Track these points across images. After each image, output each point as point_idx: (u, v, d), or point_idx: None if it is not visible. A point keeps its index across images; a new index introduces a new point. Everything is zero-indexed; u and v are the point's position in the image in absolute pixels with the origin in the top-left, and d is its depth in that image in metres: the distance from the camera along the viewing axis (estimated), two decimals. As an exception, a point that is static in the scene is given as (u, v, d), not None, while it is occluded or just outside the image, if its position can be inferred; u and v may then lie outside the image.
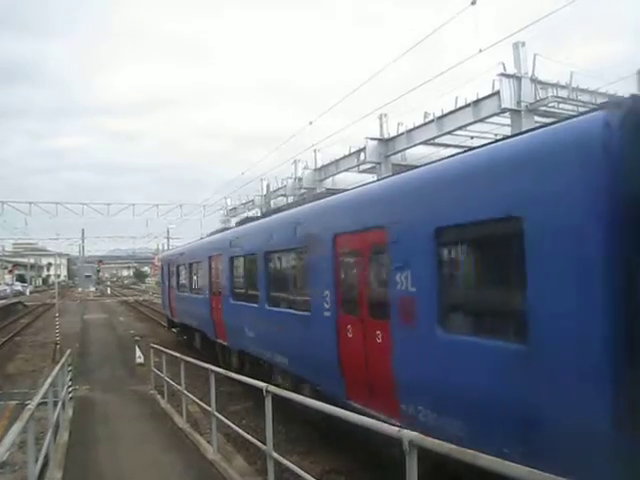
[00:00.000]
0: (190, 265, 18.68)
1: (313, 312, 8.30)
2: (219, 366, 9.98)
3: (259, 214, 44.03)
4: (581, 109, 25.91)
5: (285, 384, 9.59)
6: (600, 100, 26.41)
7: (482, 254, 5.62)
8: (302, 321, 8.71)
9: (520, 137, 5.22)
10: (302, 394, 7.06)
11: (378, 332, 6.50)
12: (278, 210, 12.51)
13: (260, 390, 5.96)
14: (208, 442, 8.30)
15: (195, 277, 18.33)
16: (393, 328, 6.15)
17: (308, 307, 8.54)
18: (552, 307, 4.21)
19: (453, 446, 3.21)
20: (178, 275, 20.97)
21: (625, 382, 3.73)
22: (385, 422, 4.51)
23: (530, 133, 5.04)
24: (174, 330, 23.34)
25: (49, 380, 7.92)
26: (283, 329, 9.68)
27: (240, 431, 7.25)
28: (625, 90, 27.80)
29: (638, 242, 3.81)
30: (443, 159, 6.39)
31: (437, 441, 3.36)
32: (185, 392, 9.94)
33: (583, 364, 3.98)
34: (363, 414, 5.14)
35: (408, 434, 3.48)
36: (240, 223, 14.87)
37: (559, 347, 4.17)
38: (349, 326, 7.26)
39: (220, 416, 7.97)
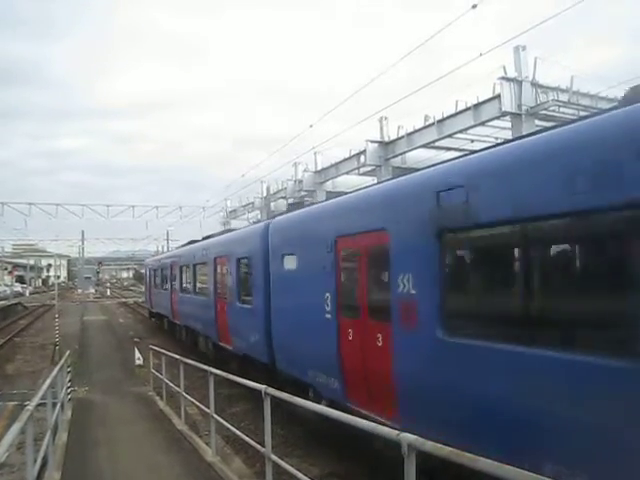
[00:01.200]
0: (161, 269, 26.38)
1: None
2: (179, 336, 18.07)
3: (259, 216, 46.58)
4: (582, 113, 25.97)
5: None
6: (600, 104, 26.49)
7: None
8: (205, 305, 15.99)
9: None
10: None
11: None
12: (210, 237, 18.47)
13: (259, 392, 5.96)
14: (207, 444, 8.29)
15: (164, 278, 25.64)
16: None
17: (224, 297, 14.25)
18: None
19: (452, 449, 3.21)
20: (154, 277, 28.87)
21: None
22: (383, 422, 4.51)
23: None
24: (153, 318, 30.27)
25: (48, 381, 7.92)
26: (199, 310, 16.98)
27: (239, 433, 7.25)
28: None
29: None
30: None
31: (436, 444, 3.35)
32: (184, 394, 9.94)
33: None
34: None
35: (407, 437, 3.47)
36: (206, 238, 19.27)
37: None
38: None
39: (219, 418, 7.97)
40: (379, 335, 6.51)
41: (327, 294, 7.75)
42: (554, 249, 5.01)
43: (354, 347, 7.12)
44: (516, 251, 5.12)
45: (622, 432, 3.68)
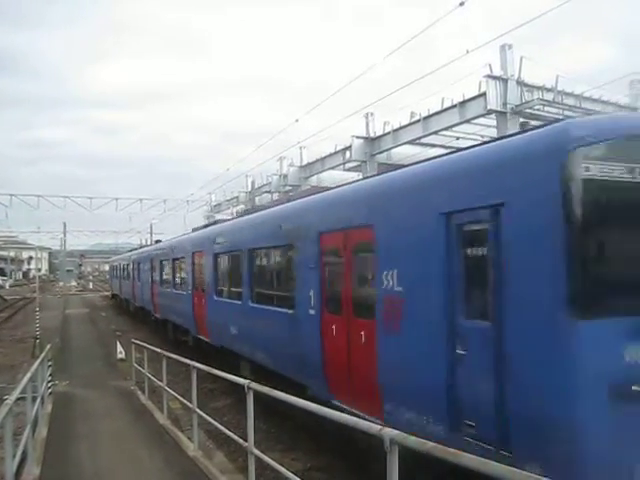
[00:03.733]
0: (120, 266, 36.51)
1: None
2: (133, 309, 25.16)
3: (243, 211, 48.43)
4: (566, 112, 26.19)
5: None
6: (585, 104, 26.70)
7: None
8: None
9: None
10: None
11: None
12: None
13: (242, 387, 5.94)
14: (189, 439, 8.27)
15: (120, 271, 36.74)
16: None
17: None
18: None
19: (434, 444, 3.22)
20: (116, 271, 39.69)
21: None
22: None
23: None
24: (114, 298, 42.41)
25: (28, 375, 7.83)
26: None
27: (221, 427, 7.23)
28: (609, 95, 28.08)
29: None
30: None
31: (418, 439, 3.37)
32: (166, 388, 9.89)
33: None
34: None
35: (389, 432, 3.48)
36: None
37: None
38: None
39: (201, 412, 7.94)
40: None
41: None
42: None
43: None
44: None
45: (288, 336, 8.85)
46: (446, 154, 6.52)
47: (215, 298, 13.31)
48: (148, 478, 6.94)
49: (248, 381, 5.96)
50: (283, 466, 5.38)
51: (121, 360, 16.60)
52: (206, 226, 17.05)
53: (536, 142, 4.80)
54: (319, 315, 7.83)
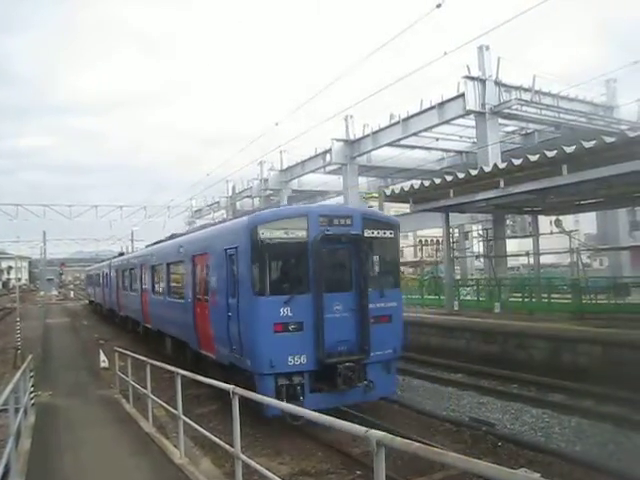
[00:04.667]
0: (95, 274, 41.12)
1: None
2: (107, 314, 31.91)
3: (225, 216, 49.27)
4: (544, 112, 26.46)
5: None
6: (561, 103, 27.02)
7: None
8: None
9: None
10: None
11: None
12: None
13: (227, 393, 5.93)
14: (175, 446, 8.20)
15: (94, 279, 42.54)
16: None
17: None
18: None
19: (420, 445, 3.24)
20: (92, 279, 44.47)
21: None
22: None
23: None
24: (91, 304, 47.15)
25: (10, 386, 7.71)
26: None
27: (207, 434, 7.19)
28: (584, 94, 28.43)
29: None
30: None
31: (404, 440, 3.38)
32: (151, 396, 9.82)
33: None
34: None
35: (375, 434, 3.45)
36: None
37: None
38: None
39: (187, 419, 7.90)
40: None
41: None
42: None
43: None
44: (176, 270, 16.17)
45: (182, 316, 14.17)
46: (222, 221, 16.14)
47: (152, 296, 18.66)
48: (134, 487, 6.89)
49: (233, 386, 5.95)
50: (270, 470, 5.37)
51: (104, 369, 16.45)
52: (154, 243, 21.84)
53: (245, 222, 10.45)
54: (192, 302, 13.33)
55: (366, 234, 10.49)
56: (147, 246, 23.48)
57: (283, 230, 9.92)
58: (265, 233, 9.78)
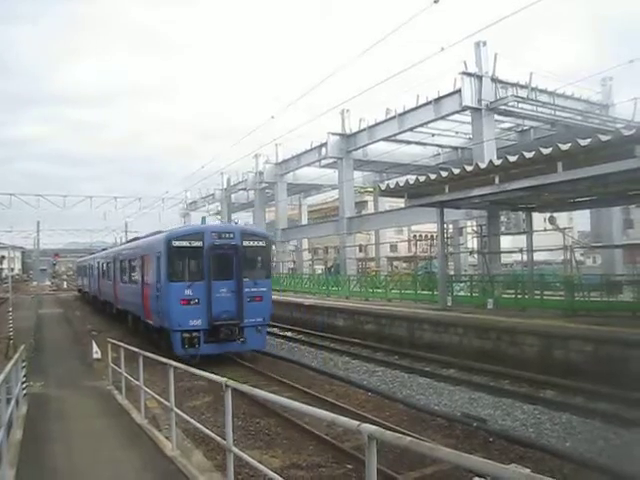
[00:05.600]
0: (82, 266, 45.76)
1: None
2: (98, 303, 34.01)
3: (219, 208, 49.60)
4: (540, 109, 26.45)
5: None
6: (558, 100, 27.04)
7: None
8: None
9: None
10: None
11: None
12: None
13: (220, 385, 5.92)
14: (167, 438, 8.19)
15: (82, 270, 46.57)
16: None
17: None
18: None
19: (411, 439, 3.25)
20: (81, 270, 48.01)
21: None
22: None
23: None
24: (80, 292, 50.77)
25: (2, 376, 7.68)
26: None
27: (199, 426, 7.19)
28: (580, 92, 28.40)
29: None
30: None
31: (396, 434, 3.39)
32: (143, 387, 9.80)
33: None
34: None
35: (367, 428, 3.42)
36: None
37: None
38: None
39: (179, 411, 7.89)
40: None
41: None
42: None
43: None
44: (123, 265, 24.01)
45: (136, 299, 19.66)
46: (153, 233, 20.39)
47: (121, 284, 23.98)
48: (126, 479, 6.89)
49: (225, 379, 5.94)
50: (262, 463, 5.37)
51: (97, 360, 16.42)
52: (128, 242, 28.47)
53: (164, 236, 16.58)
54: (141, 287, 18.74)
55: (244, 244, 15.95)
56: (122, 244, 31.80)
57: (187, 241, 15.67)
58: (176, 243, 15.64)
